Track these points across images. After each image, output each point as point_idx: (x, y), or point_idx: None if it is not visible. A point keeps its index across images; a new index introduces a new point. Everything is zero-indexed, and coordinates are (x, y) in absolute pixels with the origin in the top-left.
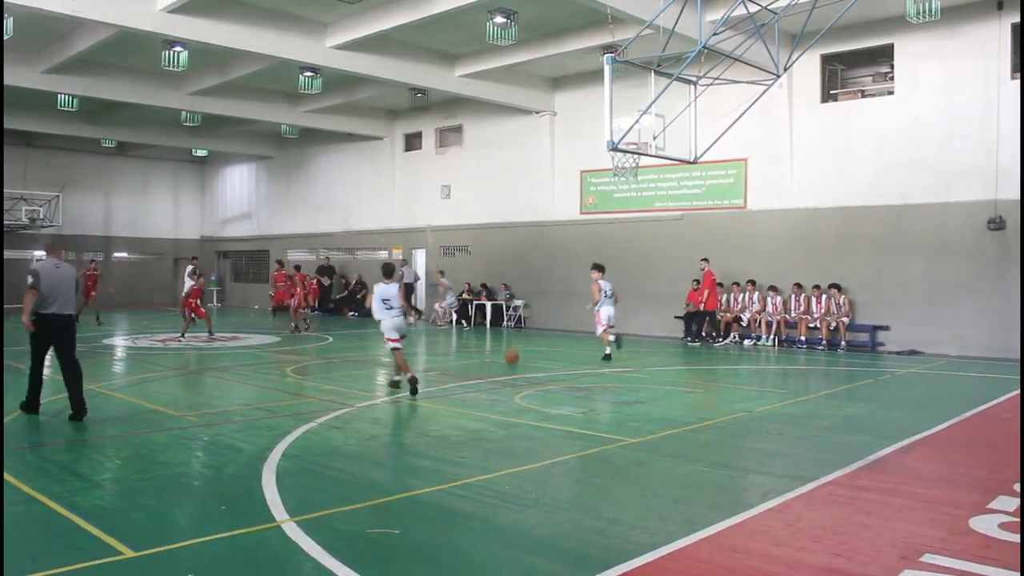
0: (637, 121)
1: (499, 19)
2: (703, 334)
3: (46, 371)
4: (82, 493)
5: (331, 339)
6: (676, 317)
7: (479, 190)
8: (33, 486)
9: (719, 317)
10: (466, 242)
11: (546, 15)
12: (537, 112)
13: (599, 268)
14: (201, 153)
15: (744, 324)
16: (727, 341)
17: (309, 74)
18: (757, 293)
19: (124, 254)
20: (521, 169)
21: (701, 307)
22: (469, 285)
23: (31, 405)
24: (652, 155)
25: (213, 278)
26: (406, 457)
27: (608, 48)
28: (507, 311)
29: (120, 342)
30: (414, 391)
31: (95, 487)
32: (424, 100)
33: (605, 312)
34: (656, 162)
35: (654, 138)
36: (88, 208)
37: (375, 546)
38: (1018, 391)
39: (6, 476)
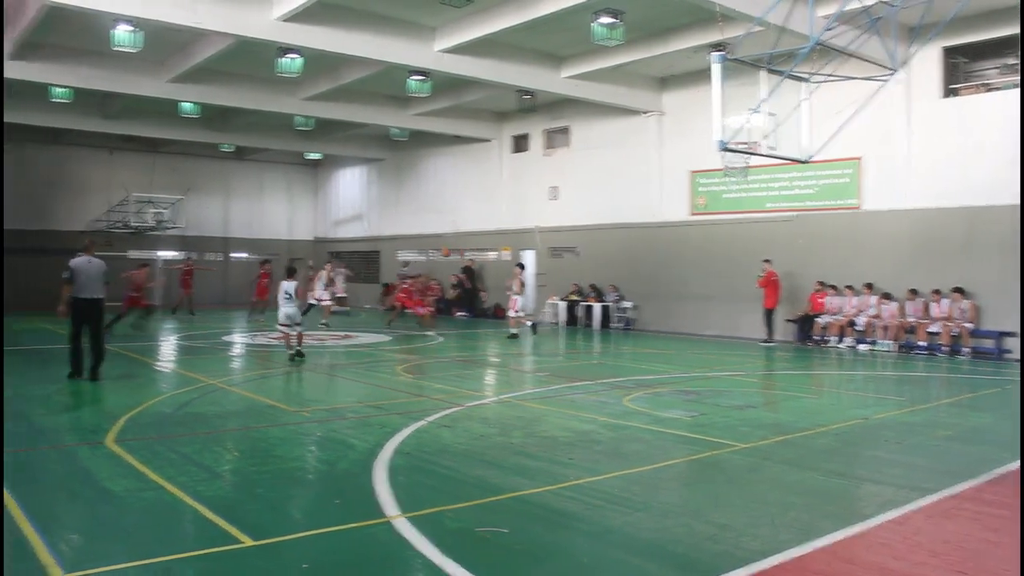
0: (747, 120)
1: (605, 19)
2: (804, 335)
3: (160, 369)
4: (205, 483)
5: (441, 339)
6: (788, 320)
7: (587, 191)
8: (160, 474)
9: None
10: (574, 243)
11: (653, 14)
12: (645, 112)
13: (521, 267)
14: (314, 156)
15: (860, 328)
16: (821, 344)
17: (418, 78)
18: (874, 296)
19: (242, 254)
20: (629, 170)
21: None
22: (577, 286)
23: (75, 371)
24: (763, 155)
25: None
26: (514, 457)
27: (717, 46)
28: (615, 313)
29: (238, 339)
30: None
31: (217, 477)
32: (531, 102)
33: (521, 301)
34: (767, 162)
35: (765, 137)
36: (208, 210)
37: (484, 544)
38: None
39: (137, 464)
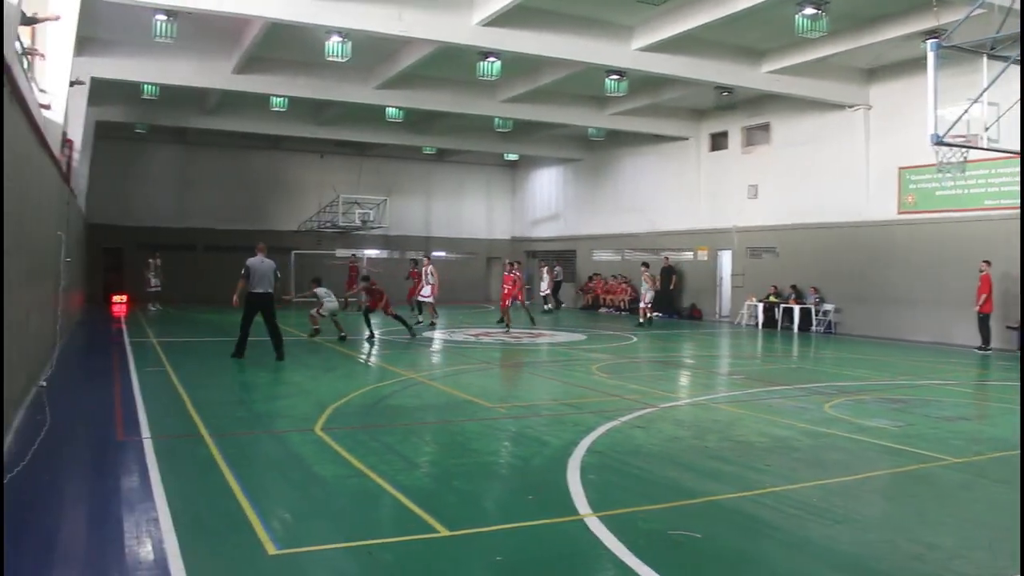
0: (966, 111)
1: (808, 10)
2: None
3: (362, 362)
4: (404, 472)
5: (635, 339)
6: (1009, 327)
7: (787, 189)
8: (363, 462)
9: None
10: (773, 243)
11: (860, 2)
12: (850, 106)
13: (646, 265)
14: (512, 157)
15: None
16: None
17: (615, 77)
18: None
19: (442, 253)
20: (832, 167)
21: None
22: (776, 288)
23: (239, 351)
24: (983, 148)
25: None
26: (709, 461)
27: (931, 33)
28: (816, 316)
29: (438, 335)
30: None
31: (415, 467)
32: (730, 99)
33: (650, 295)
34: (987, 156)
35: (986, 129)
36: (410, 211)
37: (676, 548)
38: None
39: (342, 451)
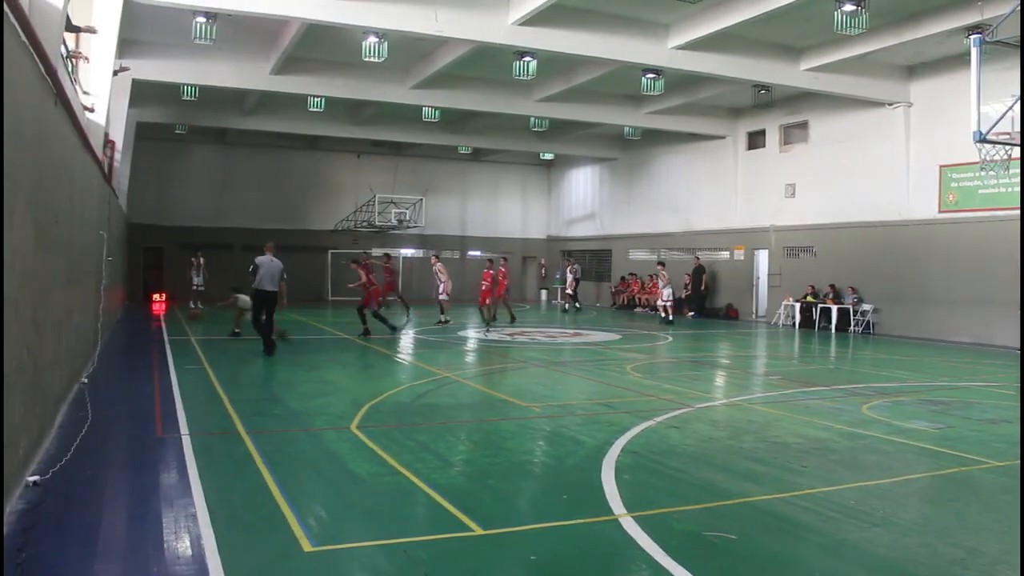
0: (1010, 108)
1: (848, 7)
2: None
3: (399, 361)
4: (439, 471)
5: (670, 338)
6: None
7: (825, 188)
8: (399, 460)
9: None
10: (810, 243)
11: None
12: (890, 104)
13: (662, 264)
14: (548, 156)
15: None
16: None
17: (651, 76)
18: None
19: (477, 252)
20: (871, 166)
21: None
22: (813, 288)
23: (268, 349)
24: None
25: (557, 276)
26: (744, 462)
27: (975, 28)
28: (854, 316)
29: (471, 334)
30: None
31: (450, 466)
32: (768, 97)
33: (668, 292)
34: None
35: None
36: (446, 210)
37: (711, 549)
38: None
39: (378, 449)
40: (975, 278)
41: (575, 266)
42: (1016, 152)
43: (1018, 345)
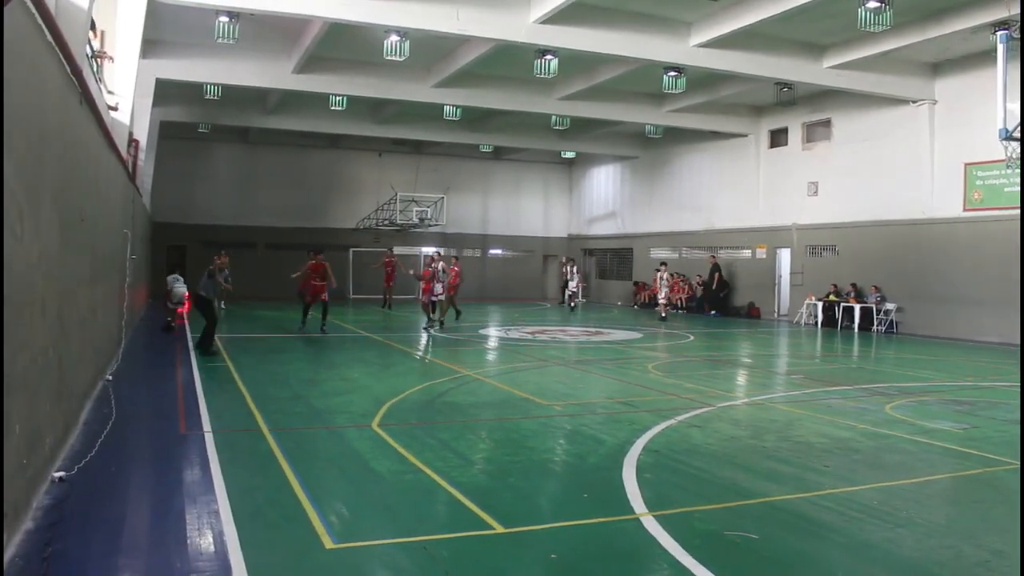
0: None
1: (872, 3)
2: None
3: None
4: (460, 469)
5: (692, 337)
6: None
7: (848, 187)
8: (420, 458)
9: None
10: (833, 241)
11: None
12: (914, 101)
13: (665, 264)
14: (569, 155)
15: None
16: None
17: (673, 74)
18: None
19: (498, 251)
20: (895, 164)
21: None
22: (836, 286)
23: (205, 342)
24: None
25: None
26: (766, 461)
27: (1001, 24)
28: (877, 315)
29: (493, 332)
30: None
31: (471, 464)
32: (790, 94)
33: (665, 290)
34: None
35: None
36: (468, 209)
37: (732, 548)
38: None
39: (399, 447)
40: (1001, 277)
41: (574, 268)
42: None
43: None
